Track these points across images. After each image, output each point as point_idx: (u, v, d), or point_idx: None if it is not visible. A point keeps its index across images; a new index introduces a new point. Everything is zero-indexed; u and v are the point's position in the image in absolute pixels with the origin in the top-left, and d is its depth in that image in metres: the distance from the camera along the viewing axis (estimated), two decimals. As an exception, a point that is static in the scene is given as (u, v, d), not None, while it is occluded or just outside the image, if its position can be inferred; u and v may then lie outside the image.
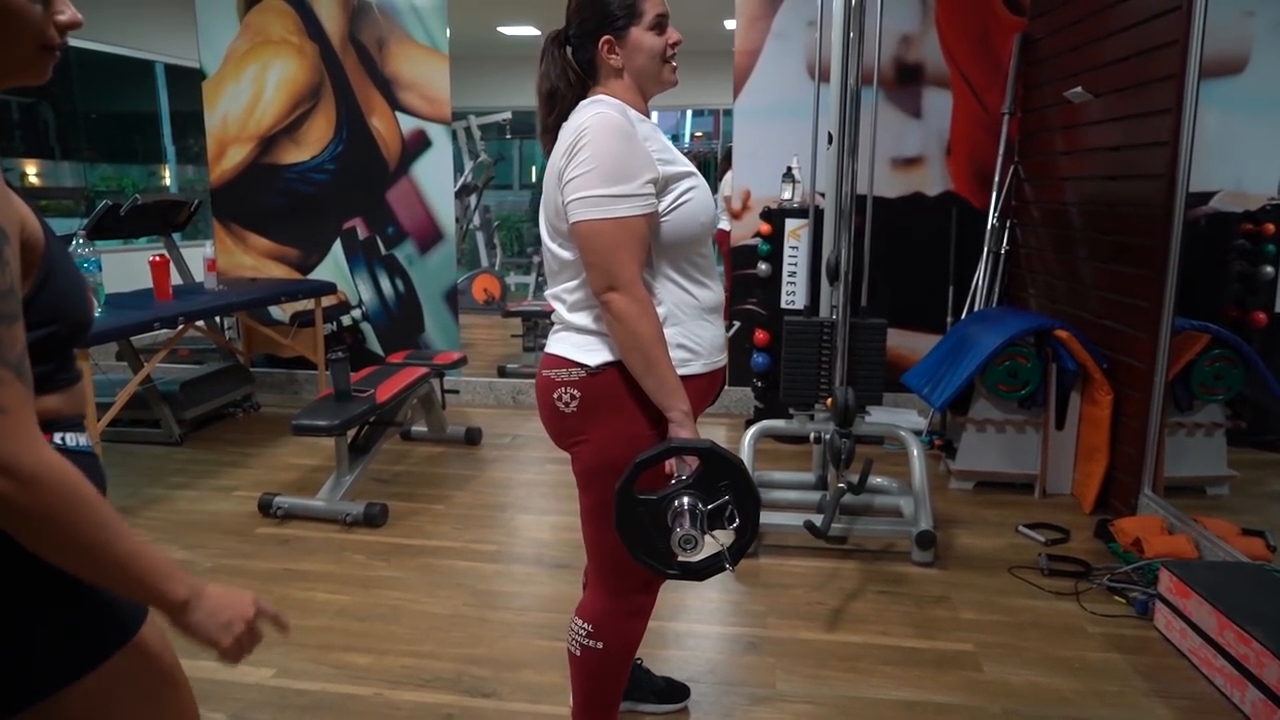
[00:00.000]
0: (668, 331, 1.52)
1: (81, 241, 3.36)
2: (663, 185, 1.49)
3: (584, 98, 1.58)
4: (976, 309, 4.19)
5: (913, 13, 4.31)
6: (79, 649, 0.93)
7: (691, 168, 1.55)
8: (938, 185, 4.44)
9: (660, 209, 1.49)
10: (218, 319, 5.11)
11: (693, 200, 1.52)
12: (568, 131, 1.51)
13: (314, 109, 4.83)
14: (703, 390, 1.61)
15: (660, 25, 1.54)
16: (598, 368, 1.53)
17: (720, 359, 1.64)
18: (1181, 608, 2.36)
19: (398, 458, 4.05)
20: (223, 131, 4.92)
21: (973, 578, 2.81)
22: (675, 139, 18.49)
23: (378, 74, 4.75)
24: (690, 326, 1.57)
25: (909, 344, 4.45)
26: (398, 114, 4.77)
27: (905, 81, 4.39)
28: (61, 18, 0.88)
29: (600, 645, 1.69)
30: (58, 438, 0.95)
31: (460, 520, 3.30)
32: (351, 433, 3.43)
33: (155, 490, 3.57)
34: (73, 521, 0.81)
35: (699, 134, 18.28)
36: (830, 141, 3.07)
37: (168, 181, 8.48)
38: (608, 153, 1.43)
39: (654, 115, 1.61)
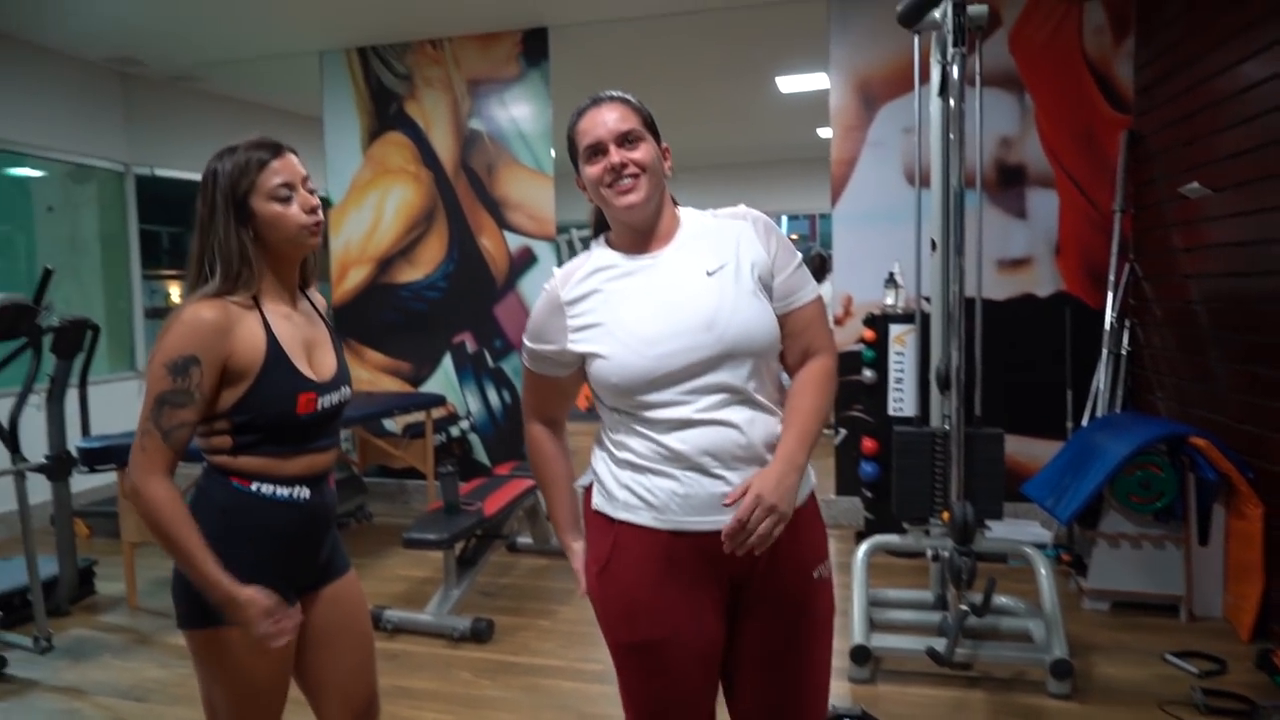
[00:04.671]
0: (623, 474, 1.46)
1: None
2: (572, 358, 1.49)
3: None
4: (1098, 414, 3.97)
5: (1011, 115, 4.29)
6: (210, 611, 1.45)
7: (608, 318, 1.44)
8: (1048, 285, 4.31)
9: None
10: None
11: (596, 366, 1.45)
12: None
13: (428, 231, 5.11)
14: (661, 550, 1.42)
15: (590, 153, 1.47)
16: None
17: (697, 520, 1.39)
18: (1369, 756, 2.09)
19: (503, 570, 4.06)
20: (345, 255, 5.25)
21: (1118, 713, 2.57)
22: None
23: (487, 196, 5.01)
24: (636, 475, 1.44)
25: (1026, 451, 4.24)
26: (505, 233, 5.00)
27: (1008, 183, 4.33)
28: (306, 208, 1.48)
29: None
30: (253, 486, 1.47)
31: (566, 637, 3.25)
32: (459, 545, 3.47)
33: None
34: (156, 525, 1.38)
35: (795, 235, 18.50)
36: (934, 248, 3.04)
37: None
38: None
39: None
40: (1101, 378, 4.04)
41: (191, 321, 1.39)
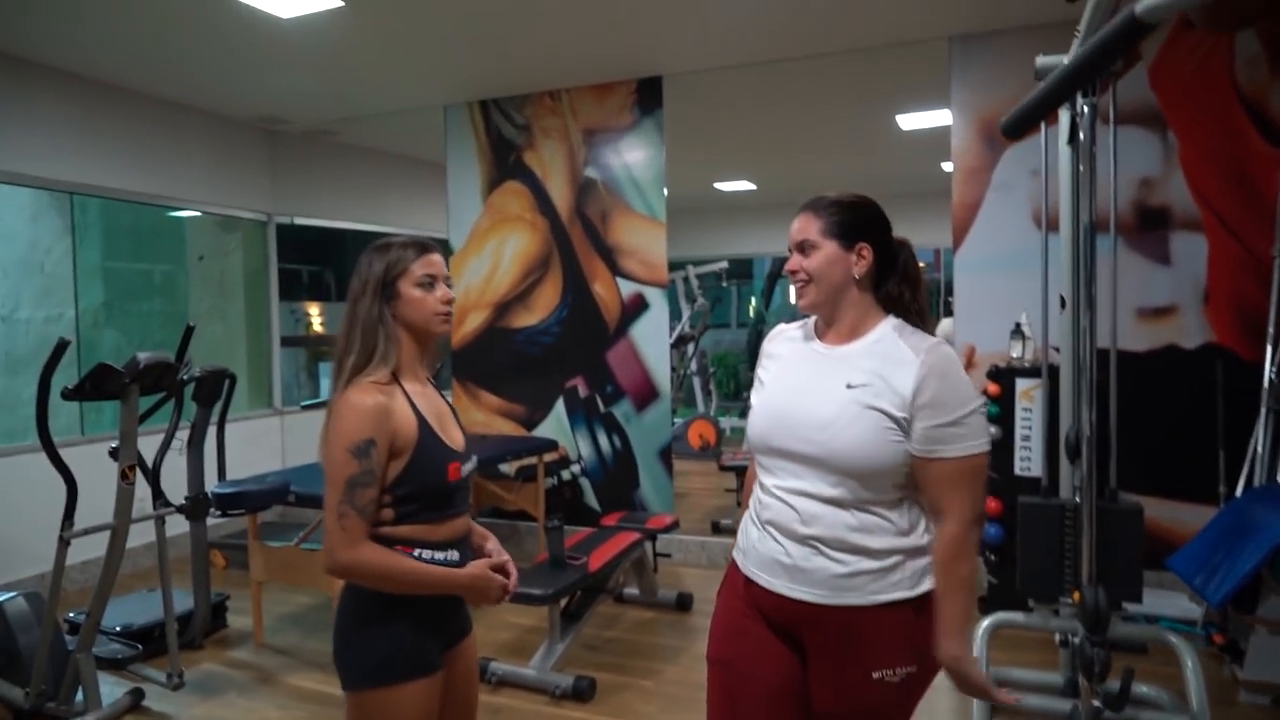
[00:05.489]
0: (748, 512, 1.69)
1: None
2: None
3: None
4: (1257, 480, 3.61)
5: (1152, 155, 4.01)
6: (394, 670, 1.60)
7: (769, 380, 1.67)
8: (1196, 336, 3.97)
9: None
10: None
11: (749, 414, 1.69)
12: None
13: (543, 277, 5.22)
14: (742, 587, 1.63)
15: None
16: None
17: (764, 577, 1.58)
18: None
19: (609, 622, 4.04)
20: (464, 300, 5.42)
21: (1278, 832, 2.30)
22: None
23: (601, 243, 5.08)
24: (747, 515, 1.68)
25: (1172, 515, 3.91)
26: (618, 279, 5.04)
27: (1149, 226, 4.04)
28: (443, 299, 1.68)
29: None
30: (415, 552, 1.60)
31: (668, 700, 3.19)
32: (564, 600, 3.47)
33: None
34: (384, 579, 1.57)
35: (922, 264, 18.07)
36: (1063, 306, 2.85)
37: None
38: None
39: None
40: (1260, 438, 3.67)
41: (359, 407, 1.55)
